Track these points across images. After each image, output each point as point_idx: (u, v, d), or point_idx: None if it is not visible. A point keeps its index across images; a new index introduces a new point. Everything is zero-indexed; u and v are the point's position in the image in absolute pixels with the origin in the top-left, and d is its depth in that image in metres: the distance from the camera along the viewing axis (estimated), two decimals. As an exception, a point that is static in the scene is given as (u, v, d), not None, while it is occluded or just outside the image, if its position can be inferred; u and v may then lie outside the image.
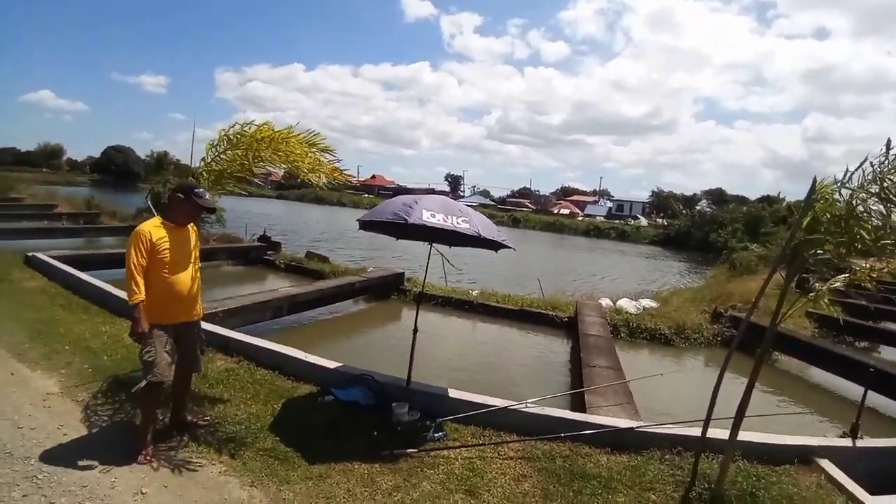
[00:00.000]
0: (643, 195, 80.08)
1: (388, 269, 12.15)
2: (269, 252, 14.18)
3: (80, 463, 3.33)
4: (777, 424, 4.60)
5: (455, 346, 8.43)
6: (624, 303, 10.69)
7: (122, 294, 6.90)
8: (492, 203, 74.24)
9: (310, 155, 4.44)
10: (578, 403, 5.17)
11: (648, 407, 5.31)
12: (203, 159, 4.76)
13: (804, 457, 4.04)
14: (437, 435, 4.04)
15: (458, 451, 3.88)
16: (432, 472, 3.58)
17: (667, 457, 3.92)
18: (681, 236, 43.19)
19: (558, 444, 4.06)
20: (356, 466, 3.55)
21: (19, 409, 3.98)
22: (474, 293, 10.98)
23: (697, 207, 57.14)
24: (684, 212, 53.96)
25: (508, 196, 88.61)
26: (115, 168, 65.88)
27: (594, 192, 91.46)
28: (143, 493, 3.09)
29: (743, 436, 3.46)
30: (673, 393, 6.54)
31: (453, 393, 4.58)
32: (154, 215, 3.59)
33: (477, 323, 9.86)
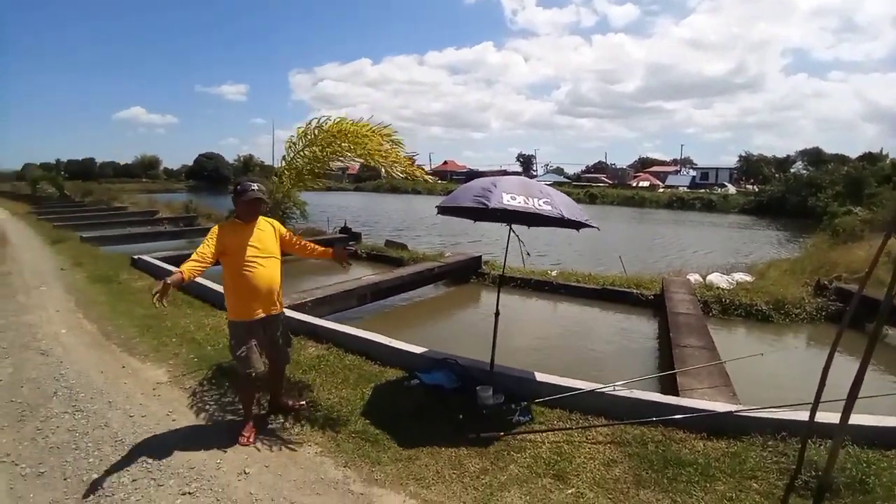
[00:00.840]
0: (731, 161, 74.94)
1: (466, 253, 12.21)
2: (350, 242, 14.70)
3: (188, 446, 3.60)
4: (887, 405, 4.19)
5: (536, 327, 8.34)
6: (715, 277, 10.07)
7: (222, 289, 7.43)
8: (566, 180, 72.20)
9: (384, 145, 4.50)
10: (669, 386, 4.95)
11: (747, 389, 4.93)
12: (283, 158, 4.97)
13: (918, 439, 3.64)
14: (522, 418, 4.01)
15: (544, 434, 3.84)
16: (519, 455, 3.57)
17: (769, 443, 3.65)
18: (774, 203, 39.87)
19: (649, 428, 3.89)
20: (443, 449, 3.60)
21: (131, 399, 4.35)
22: (554, 273, 10.78)
23: (792, 170, 52.60)
24: (777, 176, 49.88)
25: (583, 172, 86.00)
26: (208, 174, 70.54)
27: (675, 162, 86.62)
28: (246, 473, 3.31)
29: (853, 419, 3.16)
30: (774, 374, 6.09)
31: (538, 376, 4.51)
32: None
33: (558, 304, 9.67)
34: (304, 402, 4.18)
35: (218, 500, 3.03)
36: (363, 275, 10.16)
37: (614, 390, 4.20)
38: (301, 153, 4.89)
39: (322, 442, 3.70)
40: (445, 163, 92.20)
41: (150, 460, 3.42)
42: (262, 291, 3.60)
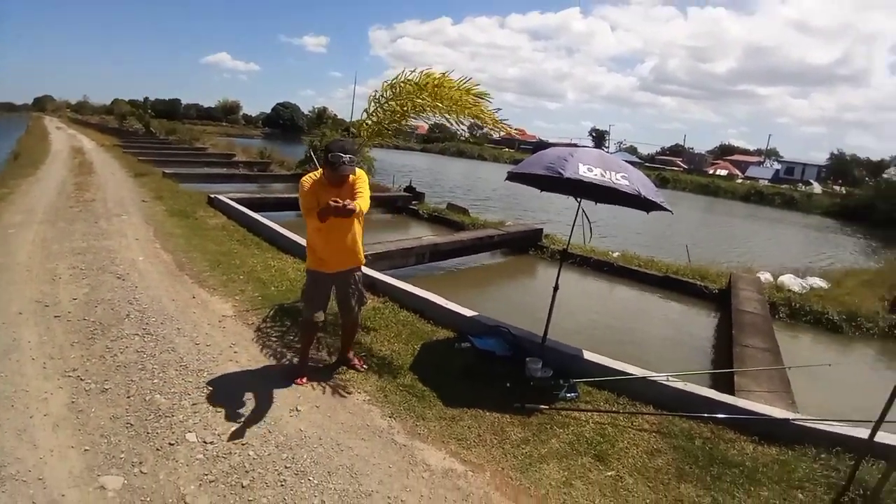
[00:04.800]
0: (821, 157, 69.67)
1: (527, 224, 12.07)
2: (413, 202, 14.89)
3: (246, 379, 3.81)
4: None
5: (590, 307, 8.21)
6: (787, 279, 9.54)
7: (290, 234, 7.70)
8: (638, 160, 69.16)
9: (468, 100, 4.46)
10: (724, 385, 4.77)
11: (807, 399, 4.75)
12: (365, 111, 5.01)
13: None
14: (569, 395, 4.00)
15: (589, 414, 3.82)
16: (562, 430, 3.57)
17: (822, 456, 3.51)
18: (862, 208, 36.53)
19: (699, 424, 3.80)
20: (487, 414, 3.66)
21: (198, 328, 4.58)
22: (615, 255, 10.52)
23: (885, 175, 48.31)
24: (868, 180, 45.96)
25: (658, 153, 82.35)
26: (283, 123, 72.77)
27: (759, 152, 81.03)
28: (298, 410, 3.48)
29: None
30: (837, 386, 5.76)
31: (588, 355, 4.45)
32: (316, 165, 3.72)
33: (616, 286, 9.48)
34: (365, 367, 4.15)
35: (269, 431, 3.20)
36: (423, 235, 10.29)
37: (668, 380, 4.10)
38: (383, 106, 4.91)
39: (371, 391, 3.82)
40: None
41: (210, 388, 3.63)
42: (338, 248, 3.62)
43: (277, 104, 78.11)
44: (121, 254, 6.64)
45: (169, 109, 72.05)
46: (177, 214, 9.39)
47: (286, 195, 13.10)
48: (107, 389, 3.48)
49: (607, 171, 3.69)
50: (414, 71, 4.77)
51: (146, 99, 56.27)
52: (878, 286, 9.98)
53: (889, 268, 12.91)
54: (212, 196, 10.93)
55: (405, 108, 4.83)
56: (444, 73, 4.65)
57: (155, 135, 34.72)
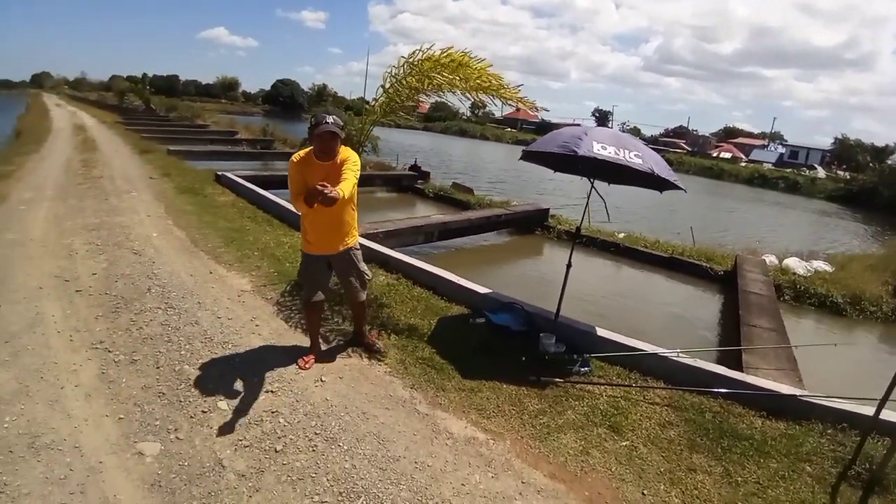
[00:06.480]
0: (825, 142, 68.77)
1: (534, 203, 12.12)
2: (419, 181, 14.92)
3: (270, 352, 3.92)
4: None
5: (597, 286, 8.31)
6: (792, 262, 9.61)
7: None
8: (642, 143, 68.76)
9: (488, 79, 4.48)
10: (732, 362, 4.88)
11: (813, 377, 4.83)
12: (381, 86, 5.01)
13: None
14: (583, 369, 4.11)
15: (602, 388, 3.93)
16: (577, 403, 3.68)
17: (828, 431, 3.61)
18: (865, 194, 36.06)
19: (709, 398, 3.90)
20: (505, 386, 3.77)
21: (218, 302, 4.69)
22: (621, 236, 10.61)
23: (889, 161, 47.98)
24: (872, 165, 45.68)
25: (661, 135, 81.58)
26: (283, 100, 72.15)
27: (763, 135, 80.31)
28: (322, 381, 3.59)
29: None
30: (842, 366, 5.89)
31: (601, 332, 4.54)
32: None
33: (622, 266, 9.59)
34: (380, 348, 4.10)
35: (297, 400, 3.32)
36: (428, 213, 10.36)
37: (678, 356, 4.21)
38: (400, 81, 4.91)
39: (391, 363, 3.94)
40: (517, 110, 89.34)
41: (236, 359, 3.75)
42: (325, 232, 3.57)
43: (277, 81, 77.36)
44: (134, 230, 6.72)
45: (167, 86, 71.46)
46: (186, 191, 9.46)
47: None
48: (135, 360, 3.59)
49: (621, 150, 3.74)
50: (432, 47, 4.78)
51: (145, 75, 55.52)
52: (881, 271, 9.98)
53: (893, 253, 12.94)
54: (219, 173, 10.98)
55: (422, 85, 4.83)
56: (464, 52, 4.65)
57: (155, 111, 34.55)
